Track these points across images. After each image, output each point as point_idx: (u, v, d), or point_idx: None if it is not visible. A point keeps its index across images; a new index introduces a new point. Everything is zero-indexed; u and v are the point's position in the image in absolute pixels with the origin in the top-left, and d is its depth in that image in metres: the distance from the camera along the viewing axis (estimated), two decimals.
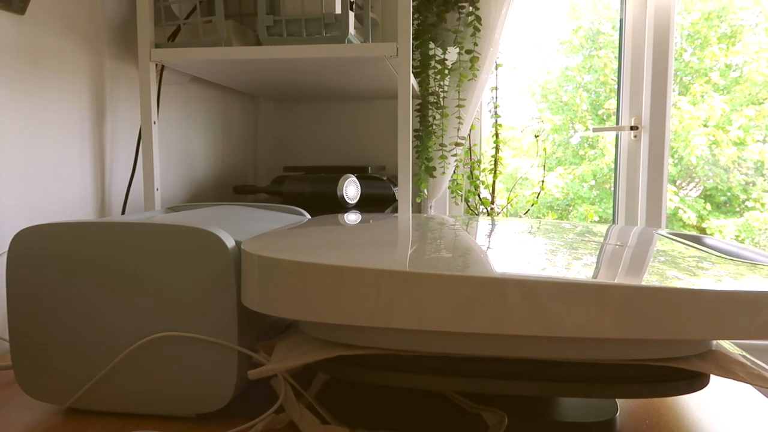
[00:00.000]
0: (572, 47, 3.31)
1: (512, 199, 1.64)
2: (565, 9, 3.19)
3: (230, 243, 0.46)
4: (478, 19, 1.27)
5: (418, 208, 1.42)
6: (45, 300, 0.48)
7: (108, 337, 0.47)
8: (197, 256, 0.46)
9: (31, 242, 0.48)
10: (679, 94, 2.87)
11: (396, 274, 0.36)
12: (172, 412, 0.47)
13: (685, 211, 2.78)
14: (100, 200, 0.87)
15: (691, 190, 2.81)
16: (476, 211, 1.56)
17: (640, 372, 0.38)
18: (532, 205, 1.64)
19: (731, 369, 0.37)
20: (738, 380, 0.37)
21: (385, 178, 1.14)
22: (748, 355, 0.42)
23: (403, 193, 0.86)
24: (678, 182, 2.76)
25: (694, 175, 2.81)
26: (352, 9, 0.92)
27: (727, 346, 0.43)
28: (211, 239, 0.45)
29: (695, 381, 0.39)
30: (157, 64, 0.90)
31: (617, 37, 1.71)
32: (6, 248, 0.70)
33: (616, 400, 0.49)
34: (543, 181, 1.63)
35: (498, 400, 0.48)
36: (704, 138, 2.74)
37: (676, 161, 2.74)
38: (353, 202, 1.00)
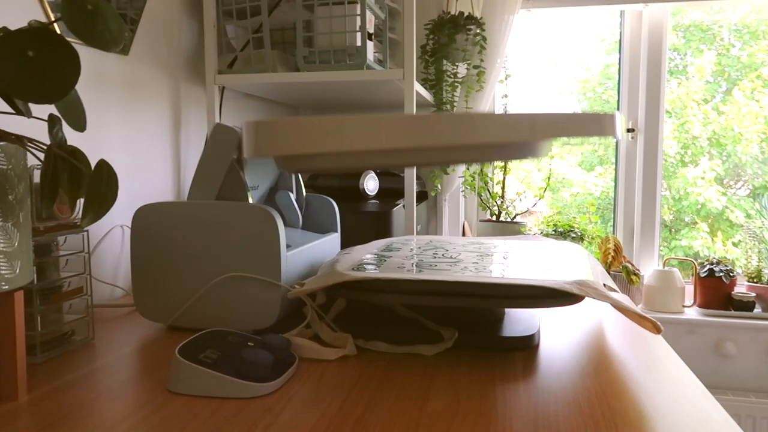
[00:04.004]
0: (612, 45, 3.29)
1: (522, 193, 1.84)
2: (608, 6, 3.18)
3: (278, 217, 0.70)
4: (484, 39, 1.49)
5: (433, 200, 1.65)
6: (156, 253, 0.73)
7: (196, 277, 0.72)
8: (256, 225, 0.70)
9: (147, 214, 0.73)
10: (726, 91, 2.71)
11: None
12: (237, 328, 0.71)
13: (732, 211, 2.62)
14: (177, 188, 1.14)
15: (739, 188, 2.63)
16: (488, 204, 1.78)
17: (534, 292, 0.61)
18: (540, 199, 1.84)
19: (588, 291, 0.59)
20: (592, 298, 0.58)
21: (401, 175, 1.37)
22: (610, 286, 0.63)
23: (408, 185, 1.09)
24: (725, 181, 2.59)
25: (742, 173, 2.67)
26: (371, 39, 1.16)
27: (591, 278, 0.65)
28: (265, 214, 0.70)
29: (571, 299, 0.60)
30: (219, 86, 1.16)
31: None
32: (118, 221, 0.97)
33: (539, 322, 0.71)
34: (549, 178, 1.82)
35: (456, 323, 0.70)
36: (755, 135, 2.60)
37: (724, 159, 2.62)
38: (373, 193, 1.23)
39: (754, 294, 1.68)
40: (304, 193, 0.93)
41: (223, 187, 0.74)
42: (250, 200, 0.73)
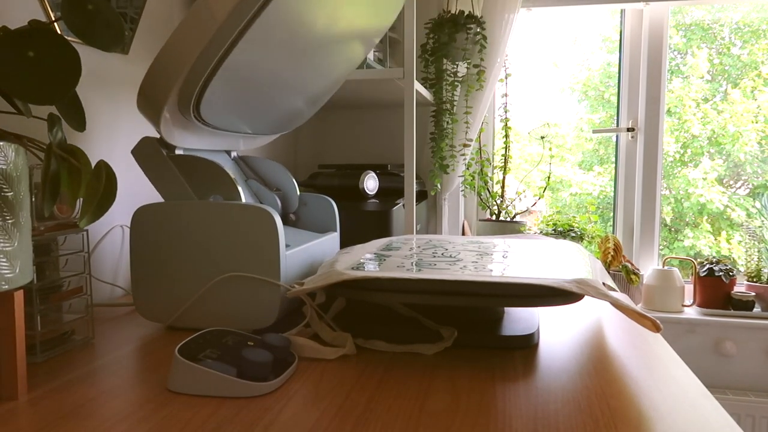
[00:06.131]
0: (614, 43, 3.28)
1: (522, 192, 1.84)
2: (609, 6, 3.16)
3: (277, 216, 0.70)
4: (484, 38, 1.49)
5: (433, 200, 1.65)
6: (155, 253, 0.73)
7: (195, 277, 0.72)
8: (255, 224, 0.70)
9: (147, 214, 0.73)
10: (726, 90, 2.70)
11: None
12: (237, 327, 0.71)
13: (734, 210, 2.64)
14: None
15: (739, 188, 2.68)
16: (487, 204, 1.78)
17: (533, 291, 0.61)
18: (539, 198, 1.84)
19: (587, 290, 0.59)
20: (591, 296, 0.58)
21: (401, 174, 1.37)
22: (609, 285, 0.63)
23: (408, 184, 1.09)
24: (725, 180, 2.63)
25: (741, 172, 2.61)
26: None
27: (591, 276, 0.65)
28: (264, 213, 0.70)
29: (571, 297, 0.60)
30: None
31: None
32: (118, 220, 0.97)
33: (539, 321, 0.71)
34: (549, 177, 1.82)
35: (456, 322, 0.70)
36: (754, 134, 2.58)
37: (724, 158, 2.56)
38: (372, 193, 1.23)
39: (753, 293, 1.68)
40: (298, 191, 0.94)
41: (194, 186, 0.74)
42: (234, 180, 0.73)
